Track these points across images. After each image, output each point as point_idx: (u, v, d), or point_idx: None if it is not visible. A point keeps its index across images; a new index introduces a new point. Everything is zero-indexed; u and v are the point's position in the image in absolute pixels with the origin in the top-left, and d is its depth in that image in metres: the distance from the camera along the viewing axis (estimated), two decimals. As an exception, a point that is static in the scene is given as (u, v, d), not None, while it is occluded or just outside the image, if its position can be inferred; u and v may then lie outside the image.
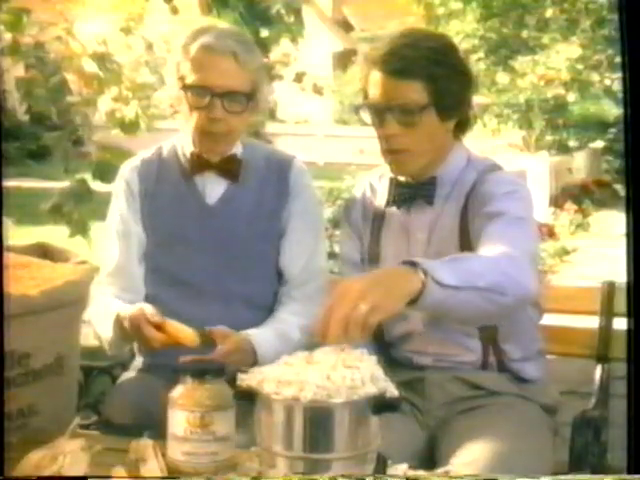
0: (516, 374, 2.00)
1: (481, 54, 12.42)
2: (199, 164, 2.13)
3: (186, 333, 1.89)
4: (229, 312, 2.07)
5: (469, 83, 1.99)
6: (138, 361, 2.20)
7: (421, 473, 1.66)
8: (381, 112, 1.93)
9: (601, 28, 11.57)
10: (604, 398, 2.22)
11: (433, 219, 1.99)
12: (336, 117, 16.03)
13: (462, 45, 11.38)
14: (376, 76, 1.93)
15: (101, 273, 2.17)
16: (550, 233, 8.26)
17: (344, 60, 15.93)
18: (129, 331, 1.97)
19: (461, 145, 2.04)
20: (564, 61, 11.56)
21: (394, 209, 2.04)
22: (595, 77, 11.70)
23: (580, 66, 11.64)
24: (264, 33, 5.07)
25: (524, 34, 12.28)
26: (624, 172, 1.59)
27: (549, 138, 11.55)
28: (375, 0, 15.50)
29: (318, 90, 5.78)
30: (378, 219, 2.07)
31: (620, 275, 1.67)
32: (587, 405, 2.16)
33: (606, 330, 2.28)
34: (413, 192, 2.00)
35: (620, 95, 1.63)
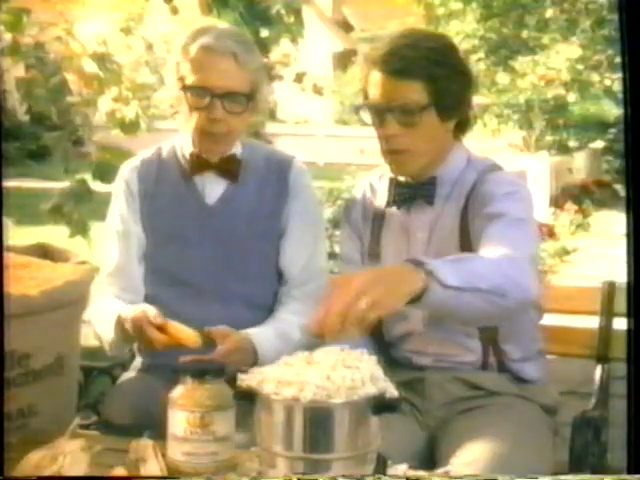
0: (516, 374, 2.00)
1: (481, 54, 12.43)
2: (199, 164, 2.13)
3: (188, 334, 1.89)
4: (229, 312, 2.07)
5: (469, 83, 1.99)
6: (138, 361, 2.20)
7: (421, 473, 1.66)
8: (381, 112, 1.93)
9: (601, 28, 11.58)
10: (604, 398, 2.22)
11: (433, 219, 1.99)
12: (336, 117, 16.03)
13: (462, 45, 11.38)
14: (376, 76, 1.93)
15: (101, 273, 2.17)
16: (550, 233, 8.26)
17: (344, 60, 15.93)
18: (131, 332, 1.97)
19: (461, 145, 2.04)
20: (564, 61, 11.56)
21: (394, 209, 2.04)
22: (595, 77, 11.71)
23: (580, 66, 11.65)
24: (264, 33, 5.07)
25: (524, 34, 12.29)
26: (624, 172, 1.59)
27: (549, 138, 11.56)
28: (375, 0, 15.49)
29: (318, 90, 5.78)
30: (378, 219, 2.07)
31: (620, 275, 1.67)
32: (587, 405, 2.16)
33: (606, 330, 2.28)
34: (413, 192, 2.00)
35: (620, 95, 1.63)
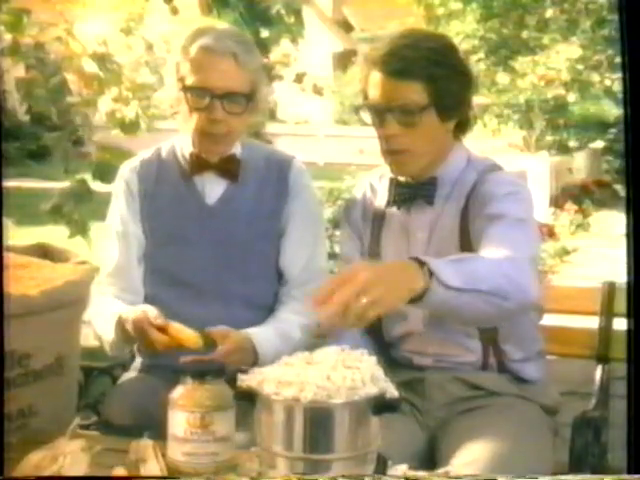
0: (516, 375, 2.00)
1: (481, 54, 12.42)
2: (198, 164, 2.13)
3: (189, 335, 1.88)
4: (229, 312, 2.07)
5: (469, 83, 1.99)
6: (138, 362, 2.20)
7: (421, 474, 1.66)
8: (381, 112, 1.93)
9: (601, 28, 11.57)
10: (604, 399, 2.22)
11: (433, 219, 1.99)
12: (336, 117, 16.03)
13: (462, 46, 11.38)
14: (376, 77, 1.93)
15: (101, 274, 2.17)
16: (550, 233, 8.26)
17: (344, 60, 15.93)
18: (132, 333, 1.97)
19: (461, 145, 2.04)
20: (564, 61, 11.56)
21: (394, 209, 2.04)
22: (595, 77, 11.70)
23: (580, 66, 11.65)
24: (264, 33, 5.07)
25: (524, 34, 12.29)
26: (624, 172, 1.59)
27: (549, 138, 11.56)
28: (375, 0, 15.49)
29: (318, 90, 5.78)
30: (378, 219, 2.07)
31: (620, 275, 1.67)
32: (587, 406, 2.16)
33: (606, 330, 2.28)
34: (413, 192, 2.00)
35: (620, 95, 1.63)
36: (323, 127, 14.51)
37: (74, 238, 3.91)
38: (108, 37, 4.55)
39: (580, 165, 11.50)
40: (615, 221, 8.35)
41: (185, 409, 1.59)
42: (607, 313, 2.28)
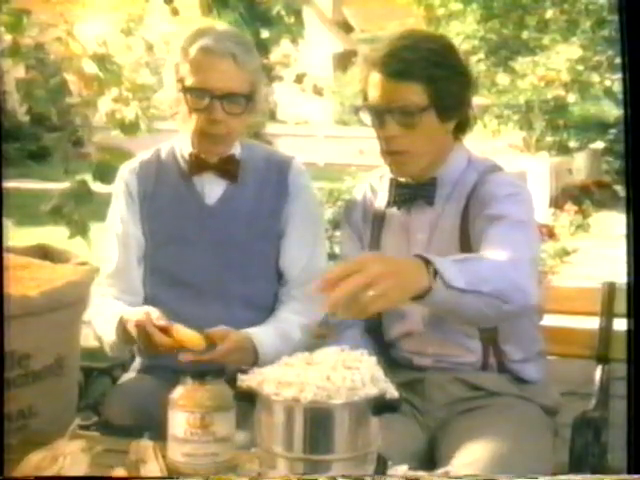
0: (516, 375, 2.00)
1: (481, 55, 12.42)
2: (198, 165, 2.13)
3: (192, 337, 1.88)
4: (229, 312, 2.07)
5: (469, 84, 1.99)
6: (138, 362, 2.20)
7: (421, 474, 1.66)
8: (381, 114, 1.93)
9: (601, 29, 11.57)
10: (604, 399, 2.22)
11: (433, 220, 1.99)
12: (336, 118, 16.04)
13: (462, 46, 11.39)
14: (376, 78, 1.93)
15: (101, 274, 2.17)
16: (550, 234, 8.26)
17: (344, 61, 15.94)
18: (133, 334, 1.96)
19: (461, 146, 2.04)
20: (564, 62, 11.56)
21: (394, 210, 2.04)
22: (595, 78, 11.70)
23: (580, 67, 11.64)
24: (264, 34, 5.07)
25: (524, 35, 12.28)
26: (624, 173, 1.59)
27: (549, 139, 11.56)
28: (375, 1, 15.50)
29: (318, 91, 5.79)
30: (378, 220, 2.07)
31: (620, 276, 1.67)
32: (587, 406, 2.16)
33: (606, 331, 2.28)
34: (413, 193, 2.00)
35: (620, 96, 1.63)
36: (323, 128, 14.53)
37: (74, 239, 3.91)
38: (108, 38, 4.55)
39: (580, 166, 11.50)
40: (615, 222, 8.35)
41: (185, 409, 1.59)
42: (607, 313, 2.28)
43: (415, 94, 1.90)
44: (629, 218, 1.58)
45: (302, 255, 2.15)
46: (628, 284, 1.59)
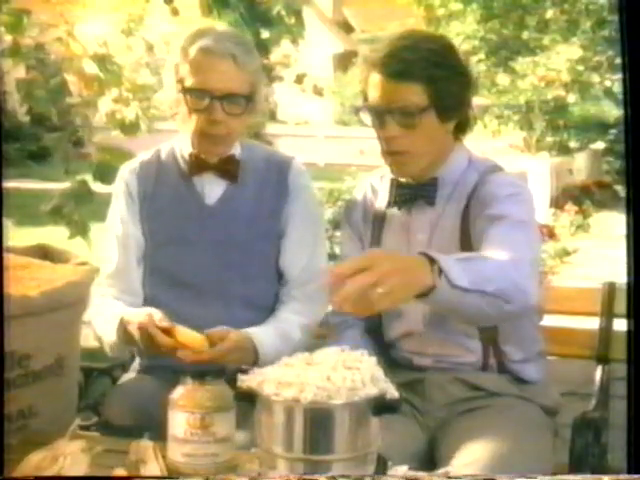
0: (516, 375, 2.00)
1: (481, 55, 12.42)
2: (197, 165, 2.13)
3: (195, 338, 1.88)
4: (229, 313, 2.07)
5: (469, 84, 1.99)
6: (138, 362, 2.20)
7: (421, 474, 1.66)
8: (381, 114, 1.93)
9: (601, 29, 11.57)
10: (604, 399, 2.22)
11: (434, 220, 1.99)
12: (336, 118, 16.03)
13: (462, 46, 11.38)
14: (376, 78, 1.93)
15: (101, 275, 2.17)
16: (551, 234, 8.26)
17: (344, 61, 15.93)
18: (135, 335, 1.96)
19: (462, 146, 2.04)
20: (564, 62, 11.55)
21: (395, 210, 2.04)
22: (595, 78, 11.70)
23: (580, 67, 11.64)
24: (265, 34, 5.07)
25: (524, 35, 12.28)
26: (624, 173, 1.59)
27: (550, 139, 11.55)
28: (375, 1, 15.49)
29: (318, 91, 5.79)
30: (379, 220, 2.07)
31: (620, 276, 1.67)
32: (587, 406, 2.16)
33: (606, 331, 2.28)
34: (414, 193, 2.00)
35: (620, 96, 1.63)
36: (323, 128, 14.52)
37: (74, 239, 3.91)
38: (108, 38, 4.55)
39: (580, 166, 11.50)
40: (615, 222, 8.35)
41: (185, 410, 1.59)
42: (607, 314, 2.28)
43: (415, 94, 1.91)
44: (629, 218, 1.58)
45: (302, 255, 2.15)
46: (628, 284, 1.59)
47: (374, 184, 2.12)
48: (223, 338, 1.93)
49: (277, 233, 2.15)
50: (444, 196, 1.99)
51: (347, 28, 18.50)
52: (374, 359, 1.52)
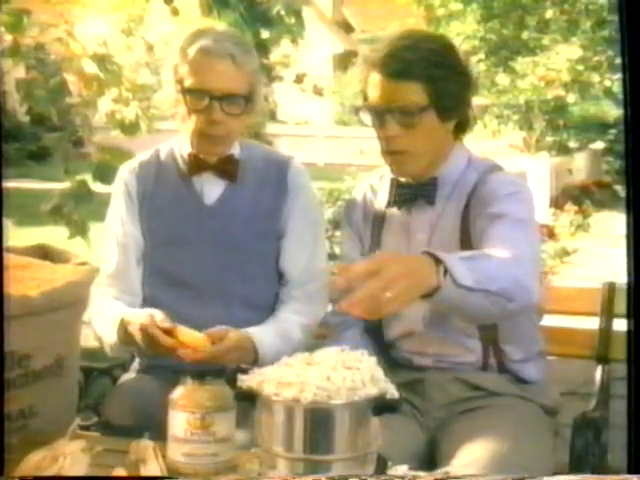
0: (516, 375, 2.00)
1: (481, 55, 12.42)
2: (197, 165, 2.13)
3: (196, 338, 1.88)
4: (229, 313, 2.07)
5: (469, 84, 1.99)
6: (138, 362, 2.20)
7: (421, 474, 1.66)
8: (381, 114, 1.93)
9: (601, 29, 11.57)
10: (604, 399, 2.22)
11: (434, 219, 1.99)
12: (336, 118, 16.03)
13: (462, 46, 11.38)
14: (376, 78, 1.93)
15: (101, 275, 2.17)
16: (550, 234, 8.27)
17: (344, 61, 15.93)
18: (135, 336, 1.96)
19: (462, 146, 2.04)
20: (564, 62, 11.56)
21: (395, 210, 2.04)
22: (595, 78, 11.70)
23: (580, 67, 11.64)
24: (264, 34, 5.07)
25: (524, 35, 12.28)
26: (624, 173, 1.59)
27: (549, 139, 11.56)
28: (375, 1, 15.49)
29: (318, 91, 5.79)
30: (379, 220, 2.07)
31: (620, 276, 1.67)
32: (587, 406, 2.16)
33: (606, 331, 2.28)
34: (414, 193, 2.00)
35: (620, 96, 1.63)
36: (323, 128, 14.53)
37: (74, 239, 3.91)
38: (108, 38, 4.55)
39: (580, 166, 11.50)
40: (615, 222, 8.35)
41: (185, 410, 1.59)
42: (607, 314, 2.28)
43: (415, 94, 1.91)
44: (629, 218, 1.58)
45: (302, 255, 2.15)
46: (628, 284, 1.59)
47: (374, 184, 2.12)
48: (223, 338, 1.93)
49: (277, 233, 2.15)
50: (444, 196, 1.99)
51: (347, 28, 18.50)
52: (374, 359, 1.52)
